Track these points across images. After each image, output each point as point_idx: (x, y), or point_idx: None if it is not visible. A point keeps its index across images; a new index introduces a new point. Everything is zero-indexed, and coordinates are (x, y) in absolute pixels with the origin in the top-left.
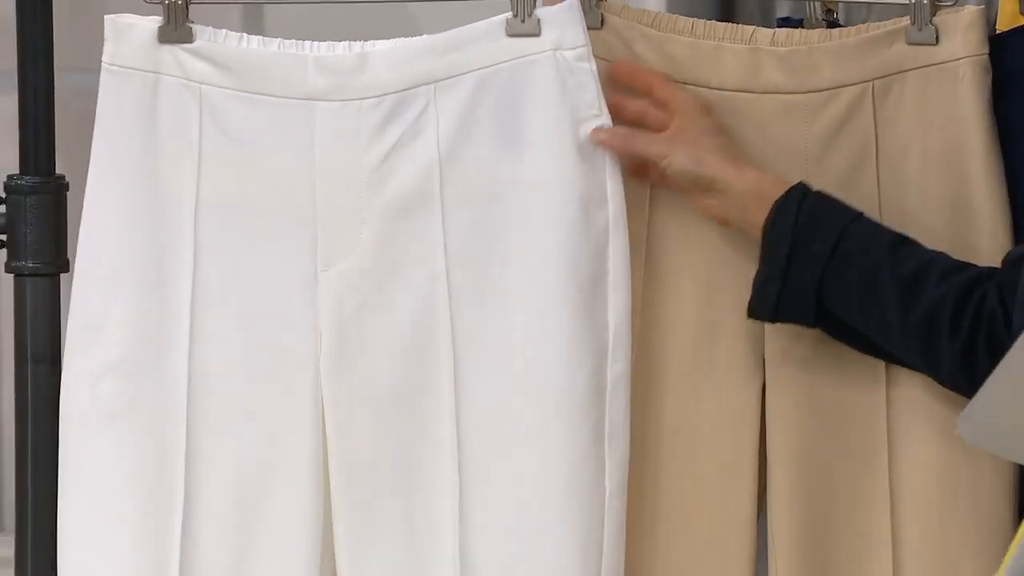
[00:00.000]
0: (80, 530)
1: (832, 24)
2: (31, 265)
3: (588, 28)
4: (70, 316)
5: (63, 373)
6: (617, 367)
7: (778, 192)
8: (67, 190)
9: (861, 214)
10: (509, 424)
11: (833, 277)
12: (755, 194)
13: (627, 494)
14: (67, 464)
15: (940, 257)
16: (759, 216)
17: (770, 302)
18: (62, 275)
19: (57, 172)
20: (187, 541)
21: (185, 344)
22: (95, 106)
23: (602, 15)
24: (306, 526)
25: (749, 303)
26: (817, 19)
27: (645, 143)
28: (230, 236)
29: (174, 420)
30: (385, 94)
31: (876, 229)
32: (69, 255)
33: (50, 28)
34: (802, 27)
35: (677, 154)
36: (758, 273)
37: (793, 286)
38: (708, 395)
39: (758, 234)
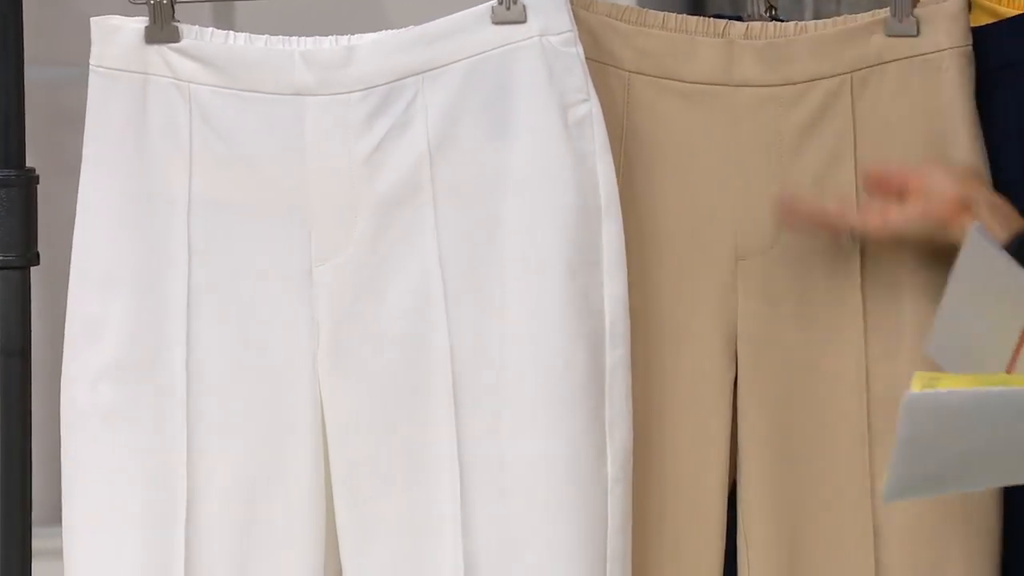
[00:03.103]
0: (85, 533)
1: (775, 20)
2: (1, 258)
3: None
4: (67, 319)
5: (62, 377)
6: (616, 353)
7: None
8: (37, 183)
9: None
10: (506, 412)
11: None
12: None
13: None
14: (69, 467)
15: None
16: None
17: None
18: (32, 268)
19: (27, 165)
20: (191, 541)
21: (182, 344)
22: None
23: (572, 10)
24: (309, 522)
25: None
26: (760, 15)
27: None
28: (224, 234)
29: (174, 420)
30: (373, 86)
31: None
32: (39, 248)
33: (20, 21)
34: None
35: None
36: None
37: None
38: (678, 386)
39: None
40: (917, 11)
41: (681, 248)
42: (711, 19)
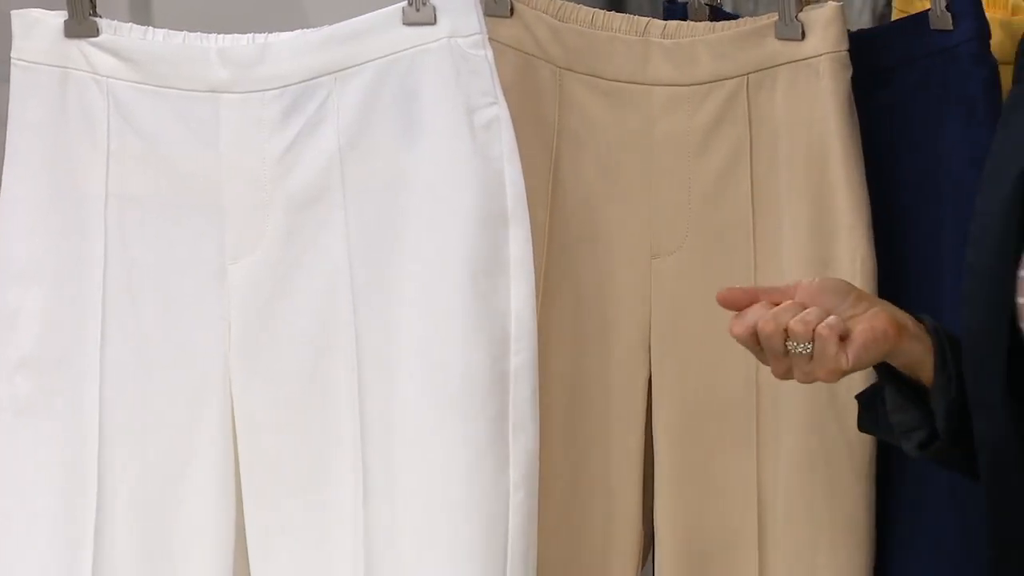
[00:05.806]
0: None
1: (714, 9)
2: None
3: (498, 17)
4: None
5: None
6: (520, 357)
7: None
8: None
9: None
10: (409, 415)
11: None
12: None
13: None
14: None
15: None
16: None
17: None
18: None
19: None
20: (100, 538)
21: (97, 339)
22: None
23: (512, 4)
24: (219, 520)
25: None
26: (700, 4)
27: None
28: (140, 230)
29: (87, 415)
30: (287, 85)
31: None
32: None
33: None
34: (686, 11)
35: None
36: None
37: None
38: (602, 385)
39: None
40: (801, 16)
41: (605, 246)
42: (635, 17)
